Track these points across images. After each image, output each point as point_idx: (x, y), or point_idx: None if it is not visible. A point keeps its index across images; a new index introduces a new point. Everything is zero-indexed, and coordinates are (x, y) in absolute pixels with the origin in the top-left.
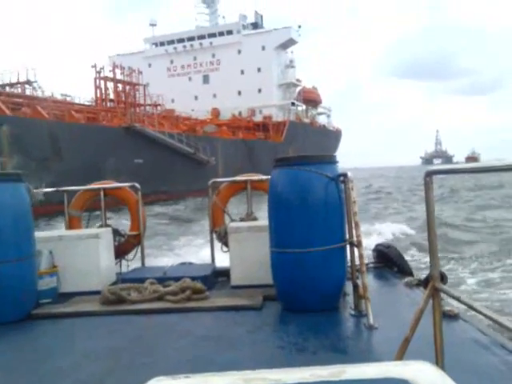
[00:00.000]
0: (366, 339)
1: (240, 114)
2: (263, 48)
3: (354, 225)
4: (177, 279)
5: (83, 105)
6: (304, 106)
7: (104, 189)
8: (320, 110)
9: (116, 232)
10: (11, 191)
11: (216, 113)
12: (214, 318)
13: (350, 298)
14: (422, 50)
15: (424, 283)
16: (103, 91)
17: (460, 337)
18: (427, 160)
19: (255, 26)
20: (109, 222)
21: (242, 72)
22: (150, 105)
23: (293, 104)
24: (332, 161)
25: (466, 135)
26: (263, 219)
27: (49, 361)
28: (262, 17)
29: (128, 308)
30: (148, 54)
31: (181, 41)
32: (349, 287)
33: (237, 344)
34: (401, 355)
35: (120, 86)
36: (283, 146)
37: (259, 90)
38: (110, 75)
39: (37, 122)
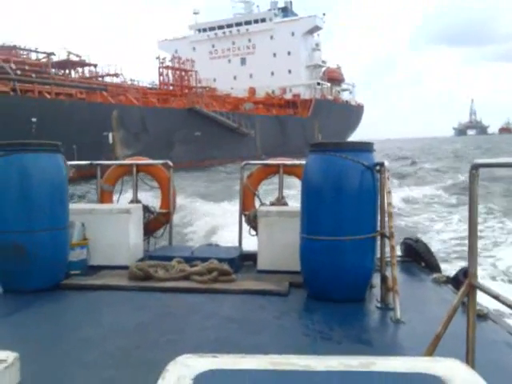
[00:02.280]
0: (393, 333)
1: (273, 92)
2: (292, 34)
3: (387, 215)
4: (204, 260)
5: (151, 88)
6: (329, 84)
7: (137, 165)
8: (344, 86)
9: (146, 209)
10: (50, 161)
11: (252, 91)
12: (239, 301)
13: (377, 290)
14: (457, 15)
15: (453, 280)
16: (165, 77)
17: (490, 337)
18: (460, 131)
19: (285, 10)
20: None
21: (274, 55)
22: (200, 87)
23: (318, 83)
24: (369, 149)
25: (503, 105)
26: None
27: (76, 332)
28: (291, 2)
29: (154, 285)
30: (192, 39)
31: (221, 27)
32: (375, 279)
33: (262, 328)
34: (431, 352)
35: (177, 72)
36: (310, 120)
37: (289, 71)
38: (169, 63)
39: (132, 107)
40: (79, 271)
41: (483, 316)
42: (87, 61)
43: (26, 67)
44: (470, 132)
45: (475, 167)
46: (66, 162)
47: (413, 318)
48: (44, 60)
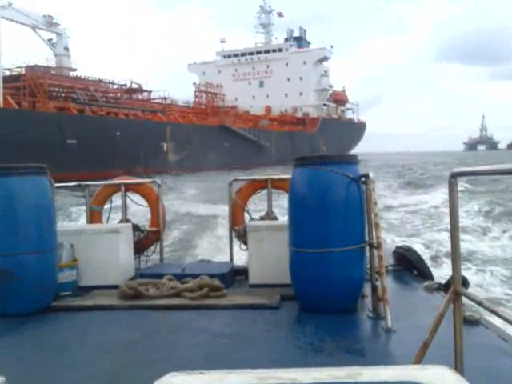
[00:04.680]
0: (384, 342)
1: (286, 110)
2: (304, 62)
3: (374, 226)
4: (195, 276)
5: (188, 107)
6: (334, 105)
7: (125, 184)
8: (348, 106)
9: (136, 227)
10: (34, 184)
11: (268, 109)
12: (231, 316)
13: (368, 301)
14: (468, 34)
15: (444, 287)
16: (199, 98)
17: (480, 343)
18: (471, 146)
19: (299, 39)
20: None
21: (288, 79)
22: (227, 107)
23: (325, 105)
24: (353, 161)
25: None
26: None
27: (65, 353)
28: (305, 31)
29: (146, 303)
30: (219, 64)
31: (243, 55)
32: (367, 289)
33: (253, 342)
34: (419, 359)
35: (209, 95)
36: (316, 135)
37: (300, 93)
38: (202, 88)
39: (179, 124)
40: (69, 292)
41: (475, 322)
42: (144, 87)
43: (110, 94)
44: (481, 147)
45: (454, 176)
46: (52, 183)
47: (404, 327)
48: (116, 87)
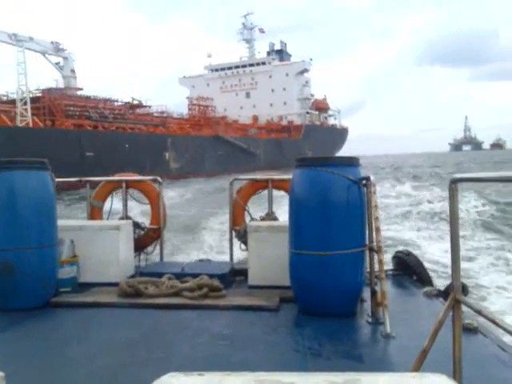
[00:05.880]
0: (382, 348)
1: (272, 119)
2: (287, 74)
3: (374, 229)
4: (194, 276)
5: (182, 118)
6: (317, 112)
7: (126, 181)
8: (330, 113)
9: (136, 225)
10: (37, 179)
11: (255, 118)
12: (230, 317)
13: (368, 305)
14: (449, 37)
15: (444, 294)
16: (192, 111)
17: (479, 351)
18: (456, 146)
19: (280, 52)
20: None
21: (273, 90)
22: (217, 117)
23: (307, 112)
24: (354, 163)
25: (495, 121)
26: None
27: (64, 351)
28: (285, 44)
29: (145, 302)
30: (207, 77)
31: (229, 68)
32: (366, 293)
33: (252, 344)
34: (418, 366)
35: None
36: (301, 141)
37: (284, 103)
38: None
39: (179, 136)
40: (69, 288)
41: (473, 330)
42: (144, 103)
43: (116, 111)
44: (466, 147)
45: (454, 182)
46: (53, 178)
47: (403, 333)
48: (120, 104)
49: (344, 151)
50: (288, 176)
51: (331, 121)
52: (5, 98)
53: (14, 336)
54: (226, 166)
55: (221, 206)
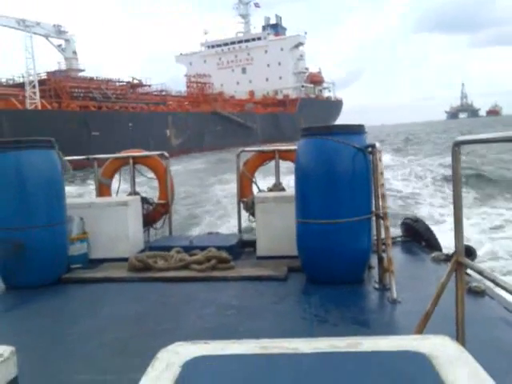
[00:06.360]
0: (388, 313)
1: (268, 93)
2: (282, 49)
3: (380, 196)
4: (203, 248)
5: (181, 96)
6: (312, 86)
7: (133, 157)
8: (325, 85)
9: (144, 200)
10: (44, 157)
11: (251, 93)
12: (238, 288)
13: (375, 272)
14: (449, 3)
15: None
16: (191, 88)
17: (485, 314)
18: (453, 114)
19: (275, 26)
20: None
21: (268, 65)
22: (215, 93)
23: (302, 86)
24: (360, 131)
25: (493, 87)
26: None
27: (75, 324)
28: (281, 18)
29: (154, 275)
30: (203, 54)
31: (226, 44)
32: (374, 260)
33: (260, 314)
34: (420, 329)
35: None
36: (296, 114)
37: (280, 77)
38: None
39: (178, 113)
40: (80, 265)
41: (480, 293)
42: (144, 82)
43: (118, 91)
44: (462, 115)
45: (457, 144)
46: (61, 156)
47: (409, 298)
48: (121, 84)
49: (339, 122)
50: (294, 146)
51: (326, 93)
52: (11, 82)
53: (27, 312)
54: (225, 141)
55: (225, 172)
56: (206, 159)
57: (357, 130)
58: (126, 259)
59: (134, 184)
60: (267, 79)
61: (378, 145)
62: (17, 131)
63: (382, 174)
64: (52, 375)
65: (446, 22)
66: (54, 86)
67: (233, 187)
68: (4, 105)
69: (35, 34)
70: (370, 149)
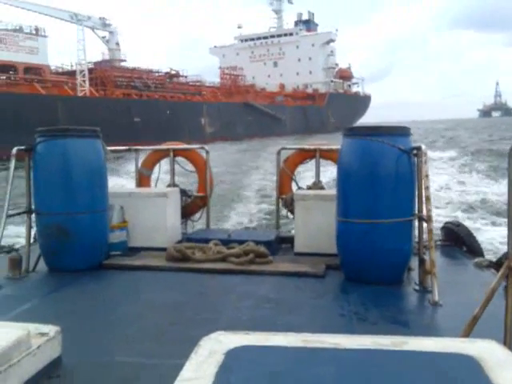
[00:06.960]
0: (430, 315)
1: (298, 87)
2: (313, 45)
3: (424, 199)
4: (241, 242)
5: (214, 87)
6: (341, 81)
7: (174, 149)
8: (354, 81)
9: (183, 192)
10: (90, 146)
11: (282, 86)
12: (275, 282)
13: (415, 274)
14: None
15: (496, 265)
16: (224, 80)
17: None
18: (485, 113)
19: (307, 22)
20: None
21: (299, 60)
22: (246, 86)
23: (331, 81)
24: (405, 133)
25: None
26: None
27: (116, 308)
28: (313, 14)
29: (192, 266)
30: (237, 47)
31: (258, 39)
32: (414, 262)
33: (297, 309)
34: (468, 333)
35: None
36: (324, 108)
37: (310, 72)
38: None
39: (213, 103)
40: (120, 252)
41: None
42: (181, 73)
43: (157, 81)
44: (495, 114)
45: None
46: (105, 146)
47: (451, 301)
48: (160, 74)
49: (367, 118)
50: (336, 146)
51: (355, 88)
52: (59, 70)
53: (70, 294)
54: (255, 131)
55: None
56: (237, 148)
57: (402, 131)
58: (163, 249)
59: (173, 176)
60: (297, 73)
61: (423, 147)
62: (70, 116)
63: (426, 176)
64: (94, 356)
65: (483, 20)
66: (100, 74)
67: (256, 178)
68: (58, 91)
69: (86, 27)
70: (415, 151)
